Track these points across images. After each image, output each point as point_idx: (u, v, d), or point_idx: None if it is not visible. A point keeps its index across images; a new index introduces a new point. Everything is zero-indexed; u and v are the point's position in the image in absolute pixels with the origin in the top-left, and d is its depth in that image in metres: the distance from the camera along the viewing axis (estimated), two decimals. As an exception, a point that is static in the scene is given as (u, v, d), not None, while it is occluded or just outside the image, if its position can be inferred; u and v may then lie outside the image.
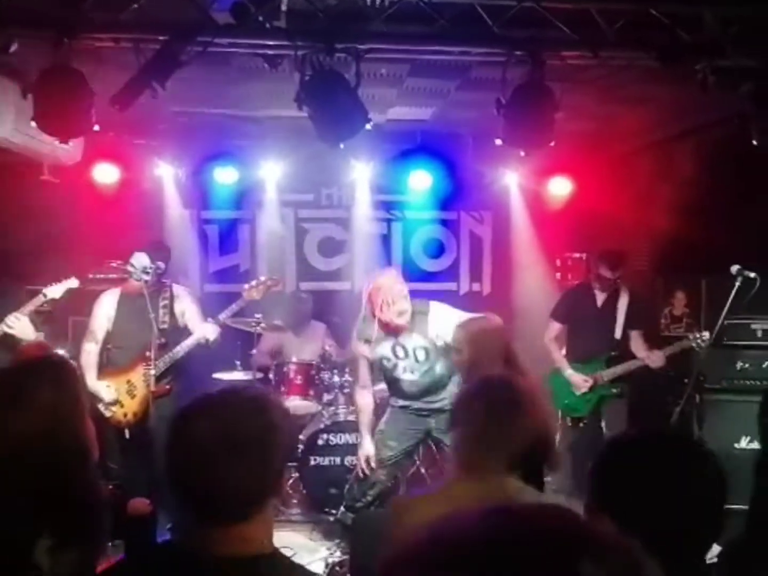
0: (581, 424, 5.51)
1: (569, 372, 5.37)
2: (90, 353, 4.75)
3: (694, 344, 5.01)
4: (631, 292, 5.46)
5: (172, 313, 4.85)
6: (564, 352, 5.54)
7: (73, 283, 4.80)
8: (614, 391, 5.34)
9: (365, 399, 4.46)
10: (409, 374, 4.31)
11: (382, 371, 4.46)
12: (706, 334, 4.92)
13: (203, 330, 4.72)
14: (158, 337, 4.60)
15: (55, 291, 4.73)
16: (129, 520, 2.96)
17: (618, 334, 5.38)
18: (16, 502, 1.86)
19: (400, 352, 4.28)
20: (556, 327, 5.54)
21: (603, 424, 5.40)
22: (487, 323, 3.48)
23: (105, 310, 4.82)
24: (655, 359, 5.16)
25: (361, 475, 4.56)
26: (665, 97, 5.03)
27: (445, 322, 4.06)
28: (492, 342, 3.31)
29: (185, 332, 4.85)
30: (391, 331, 4.23)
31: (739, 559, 2.58)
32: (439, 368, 4.30)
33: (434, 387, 4.34)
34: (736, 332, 5.26)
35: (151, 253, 4.75)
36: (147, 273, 4.63)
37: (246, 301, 4.97)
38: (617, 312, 5.40)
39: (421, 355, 4.27)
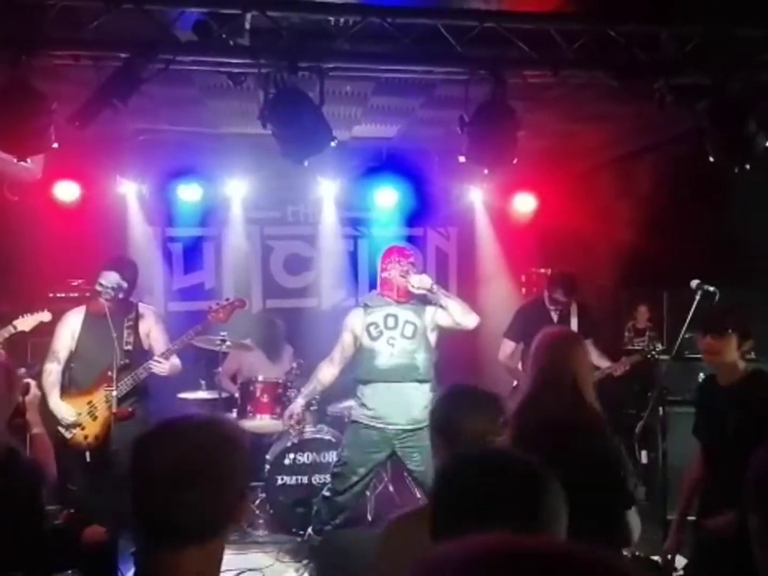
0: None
1: None
2: (52, 373, 4.64)
3: (648, 356, 5.23)
4: (578, 304, 5.52)
5: (136, 333, 4.76)
6: (520, 368, 5.55)
7: (45, 316, 4.70)
8: None
9: (326, 373, 4.68)
10: (389, 347, 4.45)
11: (361, 346, 4.56)
12: (659, 345, 5.23)
13: (157, 368, 4.65)
14: (122, 357, 4.51)
15: (25, 323, 4.62)
16: (85, 549, 2.88)
17: None
18: None
19: (390, 322, 4.51)
20: (510, 346, 5.48)
21: None
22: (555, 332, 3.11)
23: (69, 330, 4.72)
24: (619, 368, 5.28)
25: (327, 494, 4.56)
26: (624, 114, 5.13)
27: (439, 313, 4.46)
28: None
29: (150, 353, 4.77)
30: (392, 294, 4.54)
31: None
32: (420, 357, 4.47)
33: (407, 372, 4.40)
34: (698, 345, 5.34)
35: (120, 270, 4.68)
36: (117, 290, 4.57)
37: (210, 324, 4.92)
38: (571, 326, 5.46)
39: (408, 331, 4.49)
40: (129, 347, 4.65)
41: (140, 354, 4.72)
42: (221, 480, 1.40)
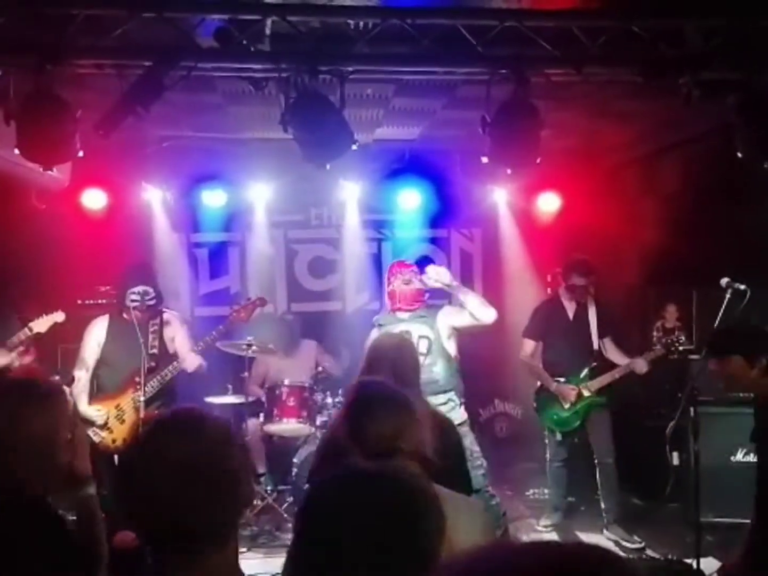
0: (575, 440, 5.47)
1: (555, 385, 5.33)
2: (80, 380, 4.71)
3: (670, 349, 5.12)
4: (597, 301, 5.45)
5: (161, 338, 4.81)
6: (541, 366, 5.50)
7: (59, 317, 4.76)
8: (602, 400, 5.32)
9: None
10: None
11: None
12: (682, 338, 5.12)
13: (186, 363, 4.72)
14: (148, 362, 4.57)
15: (41, 325, 4.68)
16: (115, 554, 2.90)
17: (595, 344, 5.38)
18: None
19: None
20: (530, 345, 5.46)
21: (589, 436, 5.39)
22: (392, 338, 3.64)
23: (95, 337, 4.79)
24: (640, 365, 5.18)
25: None
26: (650, 111, 5.06)
27: (453, 316, 4.43)
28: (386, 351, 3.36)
29: (175, 357, 4.81)
30: (398, 305, 4.55)
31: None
32: (437, 370, 4.40)
33: (425, 387, 4.33)
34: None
35: (146, 281, 4.75)
36: (156, 299, 4.70)
37: (232, 323, 4.94)
38: (590, 322, 5.40)
39: (423, 346, 4.42)
40: (155, 351, 4.71)
41: (166, 358, 4.78)
42: (225, 480, 1.36)
